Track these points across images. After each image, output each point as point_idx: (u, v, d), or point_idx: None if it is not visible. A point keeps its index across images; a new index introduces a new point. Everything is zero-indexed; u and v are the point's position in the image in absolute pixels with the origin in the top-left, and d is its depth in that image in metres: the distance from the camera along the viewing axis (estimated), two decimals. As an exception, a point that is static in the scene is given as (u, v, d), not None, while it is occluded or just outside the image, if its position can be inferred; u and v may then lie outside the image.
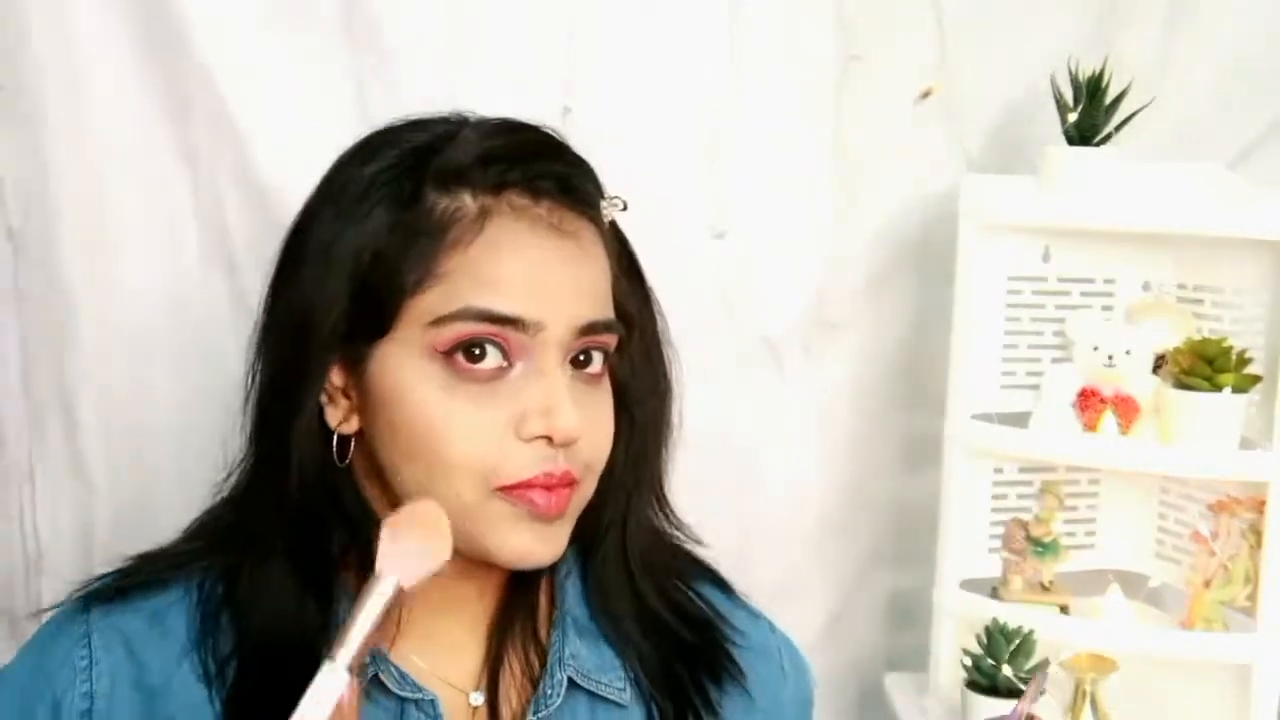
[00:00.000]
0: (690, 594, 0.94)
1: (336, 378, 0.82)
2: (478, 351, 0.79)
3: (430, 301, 0.79)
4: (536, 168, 0.82)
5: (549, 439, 0.79)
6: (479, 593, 0.88)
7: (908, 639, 1.54)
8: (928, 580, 1.46)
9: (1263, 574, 1.32)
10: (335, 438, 0.83)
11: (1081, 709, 1.36)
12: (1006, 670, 1.31)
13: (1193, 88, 1.55)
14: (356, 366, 0.81)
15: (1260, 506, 1.32)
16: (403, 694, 0.83)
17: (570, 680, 0.87)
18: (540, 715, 0.86)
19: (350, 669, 0.70)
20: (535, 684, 0.87)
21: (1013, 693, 1.31)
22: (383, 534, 0.73)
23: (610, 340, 0.84)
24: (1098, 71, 1.37)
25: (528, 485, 0.79)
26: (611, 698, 0.88)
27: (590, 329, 0.82)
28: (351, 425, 0.83)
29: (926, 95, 1.50)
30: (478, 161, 0.80)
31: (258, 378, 0.85)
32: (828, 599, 1.57)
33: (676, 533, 0.94)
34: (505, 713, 0.85)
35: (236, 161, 1.30)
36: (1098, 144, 1.38)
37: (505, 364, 0.80)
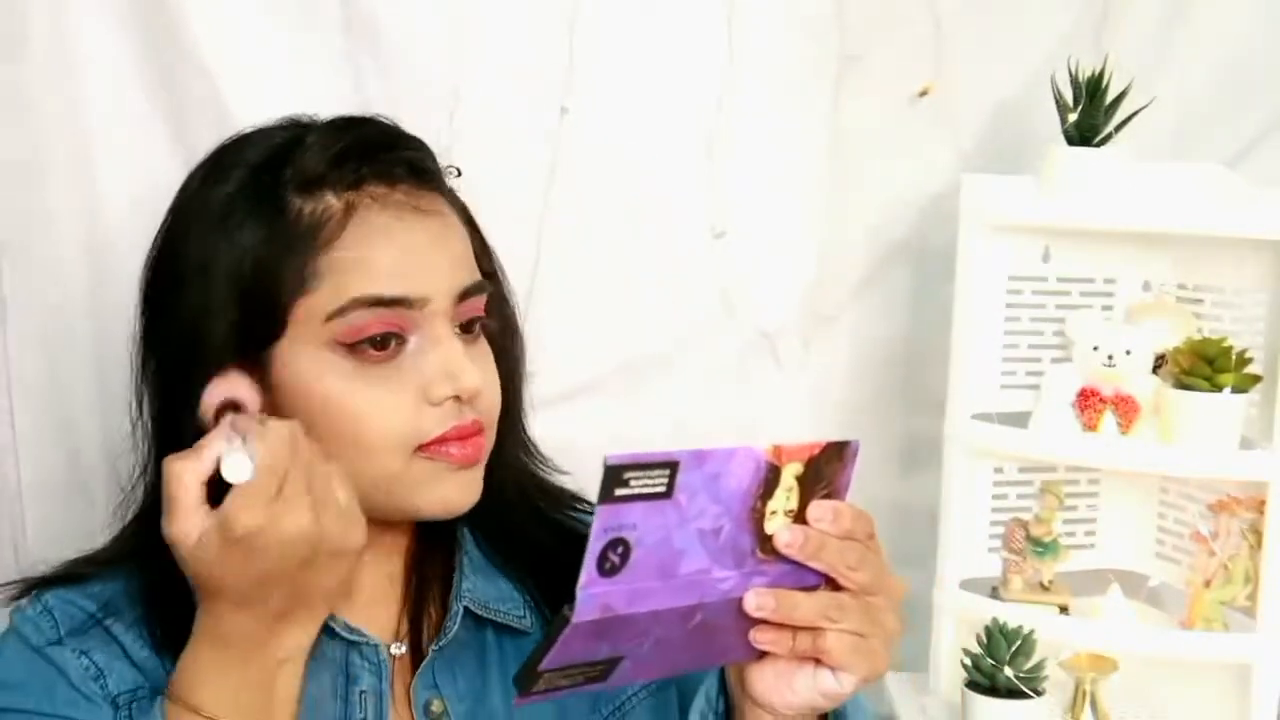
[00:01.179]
0: (567, 516, 1.02)
1: None
2: (380, 340, 0.85)
3: (319, 300, 0.85)
4: (386, 157, 0.89)
5: (457, 398, 0.87)
6: (394, 546, 0.95)
7: (907, 639, 1.52)
8: (928, 580, 1.46)
9: (1263, 574, 1.32)
10: None
11: (1081, 709, 1.37)
12: (1007, 670, 1.31)
13: (1191, 87, 1.55)
14: (258, 370, 0.87)
15: (1260, 506, 1.32)
16: (350, 637, 0.90)
17: (472, 612, 0.94)
18: (441, 645, 0.92)
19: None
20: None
21: (1013, 693, 1.31)
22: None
23: (483, 301, 0.91)
24: (1097, 71, 1.37)
25: (443, 440, 0.87)
26: (513, 624, 0.95)
27: (466, 293, 0.89)
28: None
29: (923, 94, 1.49)
30: (332, 163, 0.87)
31: (148, 395, 0.91)
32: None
33: (544, 468, 1.02)
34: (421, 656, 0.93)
35: None
36: (1098, 144, 1.37)
37: (401, 341, 0.86)
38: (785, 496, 0.76)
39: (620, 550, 0.70)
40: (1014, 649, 1.32)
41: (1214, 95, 1.56)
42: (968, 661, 1.34)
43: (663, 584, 0.72)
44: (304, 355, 0.86)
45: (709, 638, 0.77)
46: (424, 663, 0.92)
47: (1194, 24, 1.55)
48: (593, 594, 0.70)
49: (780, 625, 0.77)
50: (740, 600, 0.76)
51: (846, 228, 1.52)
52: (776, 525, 0.76)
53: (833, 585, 0.78)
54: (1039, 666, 1.32)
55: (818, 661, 0.79)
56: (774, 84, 1.46)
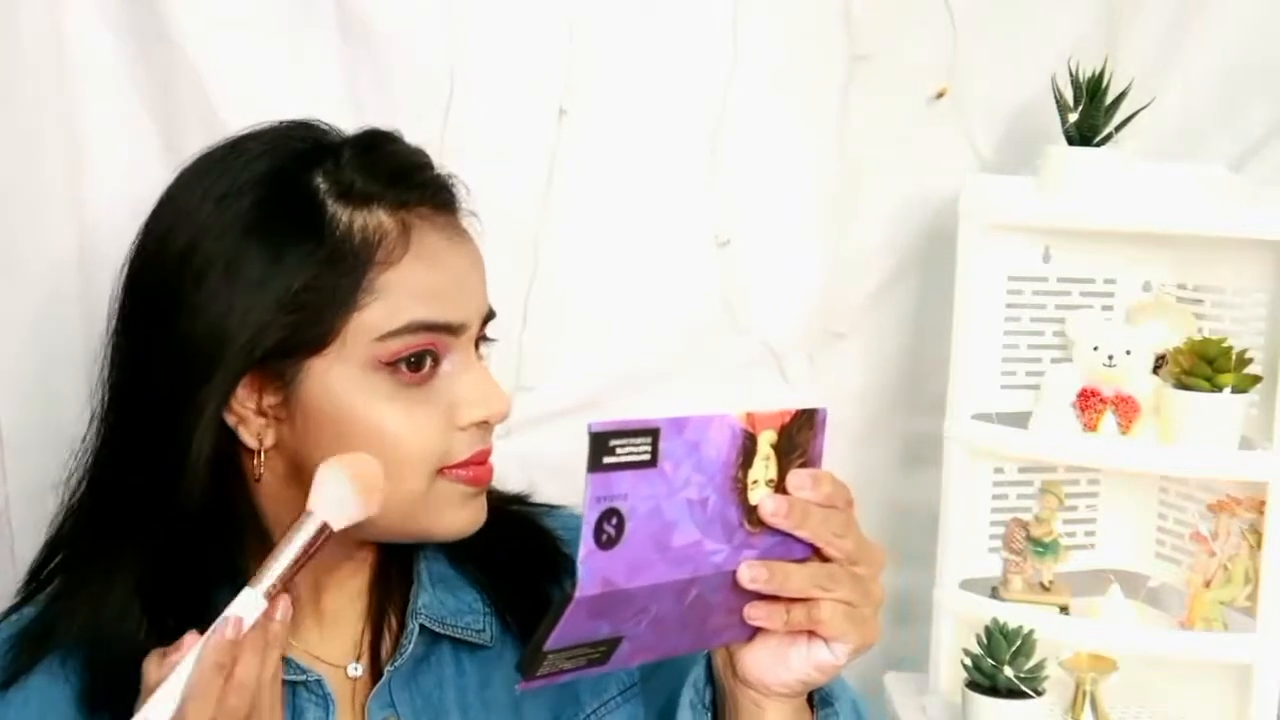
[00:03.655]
0: (520, 507, 1.02)
1: (248, 398, 0.86)
2: (415, 360, 0.85)
3: (371, 318, 0.84)
4: (431, 181, 0.89)
5: (484, 423, 0.88)
6: (359, 565, 0.94)
7: (908, 639, 1.54)
8: (928, 580, 1.46)
9: (1263, 574, 1.31)
10: (258, 455, 0.87)
11: (1081, 709, 1.37)
12: (1007, 670, 1.31)
13: (1201, 88, 1.54)
14: (278, 384, 0.85)
15: (1260, 506, 1.32)
16: (290, 677, 0.89)
17: (429, 630, 0.93)
18: (397, 664, 0.92)
19: (267, 594, 0.78)
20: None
21: (1013, 692, 1.31)
22: (319, 475, 0.81)
23: (488, 324, 0.92)
24: (1098, 72, 1.37)
25: (465, 464, 0.88)
26: (471, 640, 0.94)
27: (488, 318, 0.91)
28: (269, 440, 0.87)
29: (940, 96, 1.49)
30: (385, 180, 0.86)
31: (122, 395, 0.89)
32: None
33: None
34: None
35: None
36: (1098, 144, 1.37)
37: (435, 364, 0.86)
38: (764, 466, 0.77)
39: (615, 522, 0.71)
40: (1014, 649, 1.32)
41: (1224, 97, 1.55)
42: (968, 661, 1.34)
43: (658, 557, 0.73)
44: (341, 373, 0.84)
45: (703, 616, 0.78)
46: (379, 682, 0.92)
47: (1205, 25, 1.54)
48: (592, 567, 0.71)
49: (774, 599, 0.79)
50: (733, 574, 0.77)
51: (855, 233, 1.51)
52: (760, 495, 0.77)
53: (819, 558, 0.79)
54: (1039, 666, 1.32)
55: (810, 636, 0.80)
56: (780, 85, 1.45)
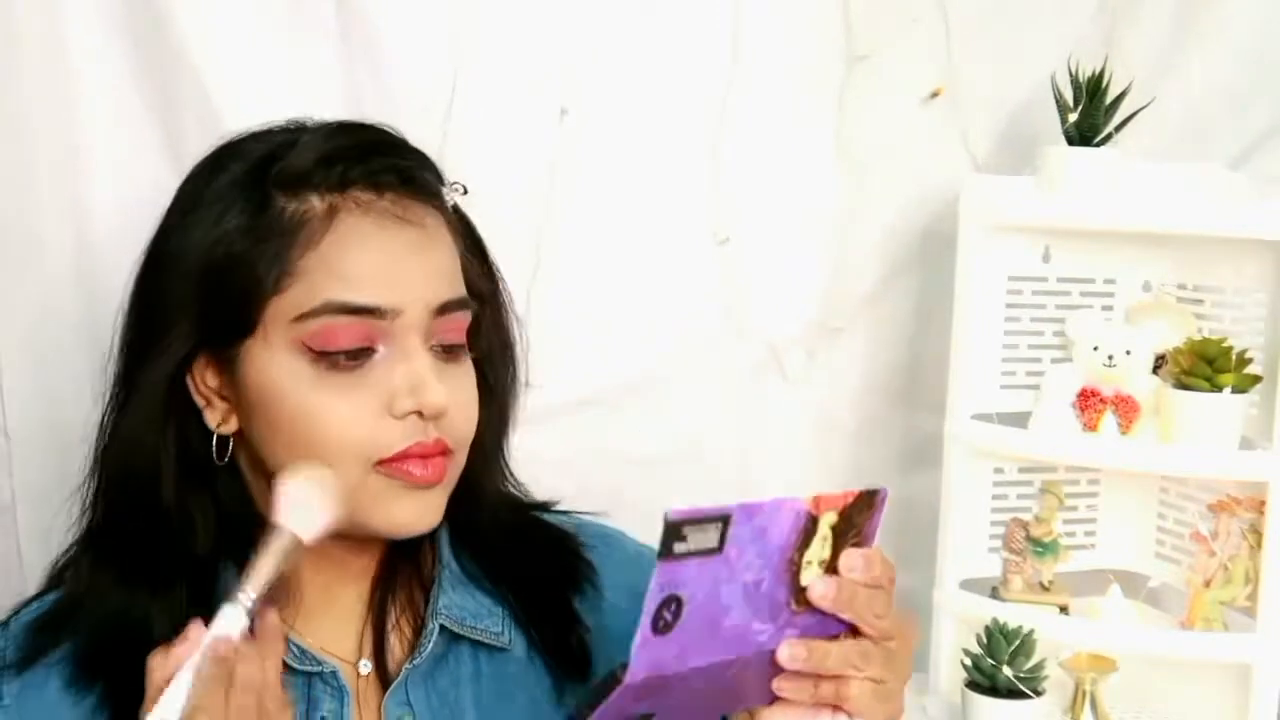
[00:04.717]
0: (542, 519, 1.02)
1: (210, 380, 0.88)
2: (351, 353, 0.85)
3: (291, 300, 0.85)
4: (375, 164, 0.87)
5: (419, 413, 0.86)
6: (369, 563, 0.94)
7: (907, 639, 1.54)
8: (928, 580, 1.46)
9: (1263, 574, 1.32)
10: (215, 438, 0.89)
11: (1081, 709, 1.37)
12: (1007, 670, 1.31)
13: (1202, 88, 1.54)
14: (228, 367, 0.87)
15: (1260, 506, 1.32)
16: (306, 669, 0.89)
17: (448, 630, 0.93)
18: (415, 663, 0.92)
19: (248, 611, 0.77)
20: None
21: (1013, 692, 1.31)
22: (281, 488, 0.81)
23: (465, 318, 0.90)
24: (1098, 71, 1.37)
25: (403, 457, 0.86)
26: (489, 642, 0.95)
27: (445, 308, 0.88)
28: (231, 425, 0.89)
29: (935, 95, 1.49)
30: (319, 164, 0.86)
31: (119, 394, 0.91)
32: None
33: (518, 491, 1.01)
34: (392, 673, 0.92)
35: None
36: (1098, 144, 1.38)
37: (371, 352, 0.85)
38: (821, 545, 0.76)
39: (674, 608, 0.70)
40: (1014, 649, 1.32)
41: (1226, 96, 1.55)
42: (968, 661, 1.34)
43: (709, 639, 0.73)
44: (272, 357, 0.85)
45: (735, 689, 0.78)
46: (397, 680, 0.91)
47: (1207, 24, 1.54)
48: (646, 655, 0.70)
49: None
50: (770, 651, 0.76)
51: (853, 231, 1.51)
52: (812, 576, 0.76)
53: (854, 630, 0.78)
54: (1039, 666, 1.33)
55: (834, 708, 0.79)
56: (779, 85, 1.46)
